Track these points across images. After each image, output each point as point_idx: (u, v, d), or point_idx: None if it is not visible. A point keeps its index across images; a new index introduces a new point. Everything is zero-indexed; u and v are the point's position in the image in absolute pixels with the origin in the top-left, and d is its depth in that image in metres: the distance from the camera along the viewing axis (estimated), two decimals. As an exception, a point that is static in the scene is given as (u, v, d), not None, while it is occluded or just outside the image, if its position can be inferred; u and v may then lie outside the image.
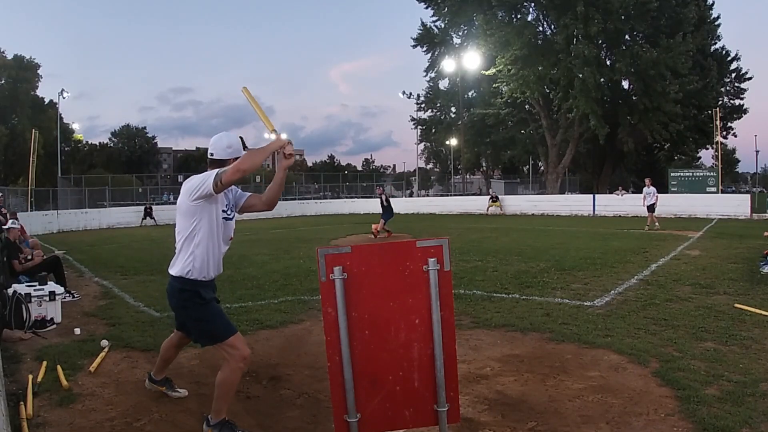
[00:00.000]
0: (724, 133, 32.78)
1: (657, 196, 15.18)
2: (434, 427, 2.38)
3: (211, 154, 2.81)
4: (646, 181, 15.46)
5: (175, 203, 3.57)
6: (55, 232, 20.86)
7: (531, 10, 30.88)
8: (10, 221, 7.28)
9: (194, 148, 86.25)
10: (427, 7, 33.37)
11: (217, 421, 2.66)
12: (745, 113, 35.23)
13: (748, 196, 21.39)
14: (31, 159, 25.95)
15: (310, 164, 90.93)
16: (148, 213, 25.80)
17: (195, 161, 75.18)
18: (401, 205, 27.52)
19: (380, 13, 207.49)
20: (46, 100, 44.76)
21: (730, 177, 53.24)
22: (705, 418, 2.71)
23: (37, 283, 5.37)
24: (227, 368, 2.64)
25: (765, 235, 8.09)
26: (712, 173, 24.28)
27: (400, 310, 2.29)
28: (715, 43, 33.47)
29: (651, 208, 14.73)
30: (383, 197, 14.39)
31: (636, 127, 30.37)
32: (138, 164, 64.93)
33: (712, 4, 32.39)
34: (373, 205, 25.47)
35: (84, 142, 60.21)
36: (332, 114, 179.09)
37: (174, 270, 2.72)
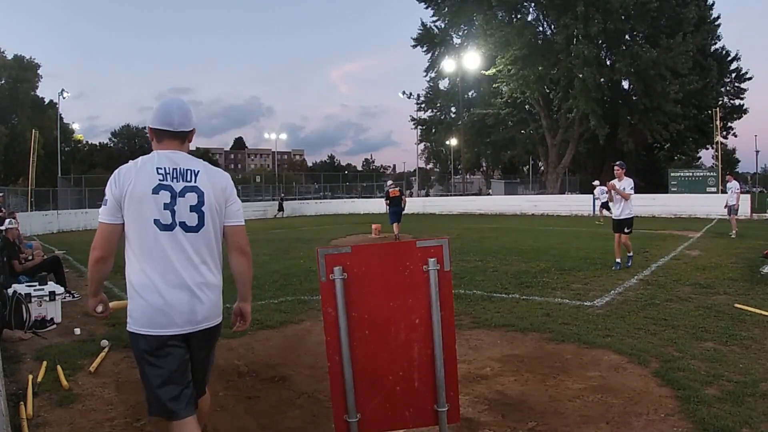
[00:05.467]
0: (724, 133, 32.80)
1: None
2: (434, 427, 2.38)
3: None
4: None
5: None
6: (55, 232, 20.85)
7: (531, 10, 30.95)
8: (8, 221, 7.26)
9: (194, 148, 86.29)
10: (427, 7, 33.42)
11: None
12: (745, 113, 35.28)
13: (748, 196, 21.36)
14: (31, 159, 25.95)
15: (310, 164, 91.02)
16: (281, 206, 29.22)
17: (195, 161, 75.19)
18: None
19: (381, 14, 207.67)
20: (46, 100, 44.77)
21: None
22: (705, 418, 2.70)
23: (37, 283, 5.37)
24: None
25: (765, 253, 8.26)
26: (712, 173, 24.29)
27: (400, 310, 2.28)
28: (715, 43, 33.51)
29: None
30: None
31: (636, 127, 30.39)
32: (138, 164, 64.90)
33: (712, 4, 32.42)
34: (372, 205, 25.48)
35: (84, 142, 60.18)
36: (332, 114, 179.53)
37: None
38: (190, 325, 1.94)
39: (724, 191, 12.81)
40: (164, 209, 1.92)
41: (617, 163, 8.14)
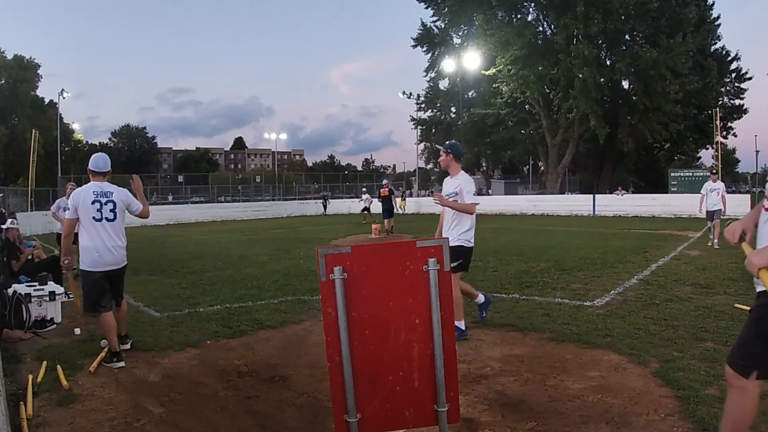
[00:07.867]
0: (724, 133, 32.79)
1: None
2: (434, 427, 2.38)
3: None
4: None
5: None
6: (56, 232, 20.81)
7: (531, 10, 30.94)
8: (9, 221, 7.27)
9: (194, 148, 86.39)
10: (427, 7, 33.42)
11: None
12: (745, 113, 35.27)
13: (748, 196, 21.37)
14: (31, 159, 25.95)
15: (310, 164, 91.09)
16: (324, 204, 31.12)
17: (195, 161, 75.29)
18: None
19: (381, 14, 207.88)
20: (46, 100, 44.87)
21: (730, 177, 53.16)
22: (705, 418, 2.70)
23: (37, 283, 5.37)
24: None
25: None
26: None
27: (400, 310, 2.28)
28: (715, 43, 33.49)
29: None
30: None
31: (636, 127, 30.38)
32: (138, 164, 64.92)
33: (712, 4, 32.41)
34: (373, 205, 25.40)
35: (84, 142, 60.23)
36: (332, 114, 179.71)
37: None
38: (111, 267, 3.97)
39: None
40: (97, 211, 3.92)
41: (445, 143, 4.62)
